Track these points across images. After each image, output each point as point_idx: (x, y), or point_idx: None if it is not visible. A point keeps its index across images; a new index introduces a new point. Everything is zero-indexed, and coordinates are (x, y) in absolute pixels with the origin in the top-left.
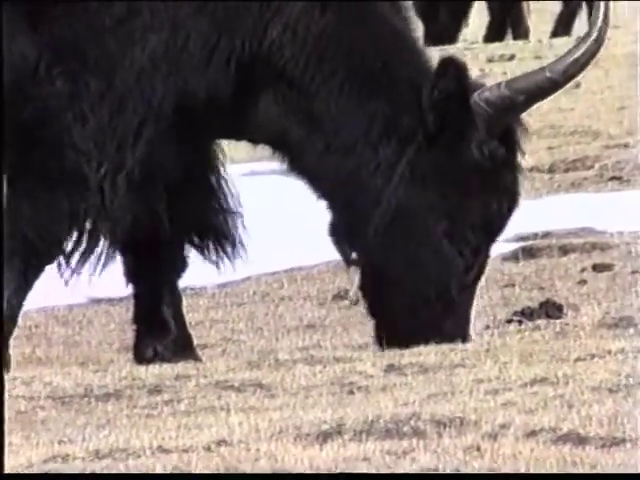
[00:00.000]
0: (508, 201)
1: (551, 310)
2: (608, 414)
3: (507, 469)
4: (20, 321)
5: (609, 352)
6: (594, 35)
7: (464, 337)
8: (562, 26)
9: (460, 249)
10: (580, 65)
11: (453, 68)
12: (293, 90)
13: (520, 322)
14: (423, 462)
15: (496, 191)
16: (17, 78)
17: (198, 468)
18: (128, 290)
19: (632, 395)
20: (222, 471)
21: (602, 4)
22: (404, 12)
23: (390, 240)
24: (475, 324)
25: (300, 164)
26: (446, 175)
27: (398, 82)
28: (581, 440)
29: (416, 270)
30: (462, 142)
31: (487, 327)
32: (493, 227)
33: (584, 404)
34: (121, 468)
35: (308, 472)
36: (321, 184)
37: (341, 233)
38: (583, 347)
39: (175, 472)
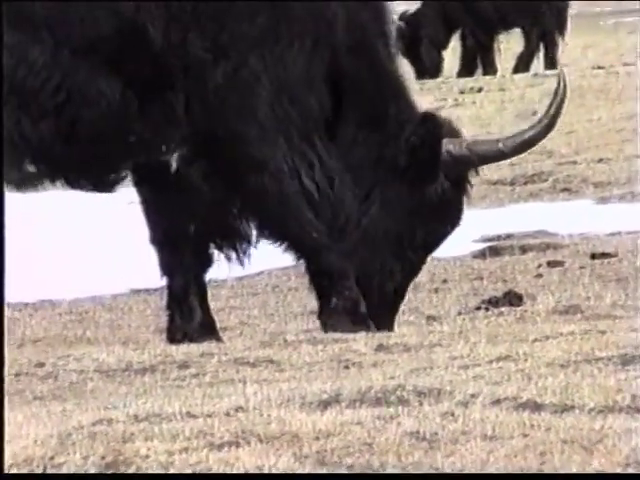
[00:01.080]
0: (450, 228)
1: (513, 299)
2: (560, 385)
3: (476, 432)
4: (73, 308)
5: (561, 334)
6: (545, 122)
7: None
8: (522, 64)
9: (402, 264)
10: (528, 145)
11: (431, 122)
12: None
13: (487, 309)
14: (407, 426)
15: (442, 222)
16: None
17: (220, 431)
18: (162, 282)
19: (580, 369)
20: (239, 433)
21: (557, 99)
22: (395, 57)
23: (359, 250)
24: (450, 310)
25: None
26: (404, 205)
27: (389, 122)
28: (537, 407)
29: (374, 273)
30: (424, 181)
31: (459, 313)
32: (432, 247)
33: (540, 377)
34: (156, 431)
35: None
36: None
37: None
38: (539, 330)
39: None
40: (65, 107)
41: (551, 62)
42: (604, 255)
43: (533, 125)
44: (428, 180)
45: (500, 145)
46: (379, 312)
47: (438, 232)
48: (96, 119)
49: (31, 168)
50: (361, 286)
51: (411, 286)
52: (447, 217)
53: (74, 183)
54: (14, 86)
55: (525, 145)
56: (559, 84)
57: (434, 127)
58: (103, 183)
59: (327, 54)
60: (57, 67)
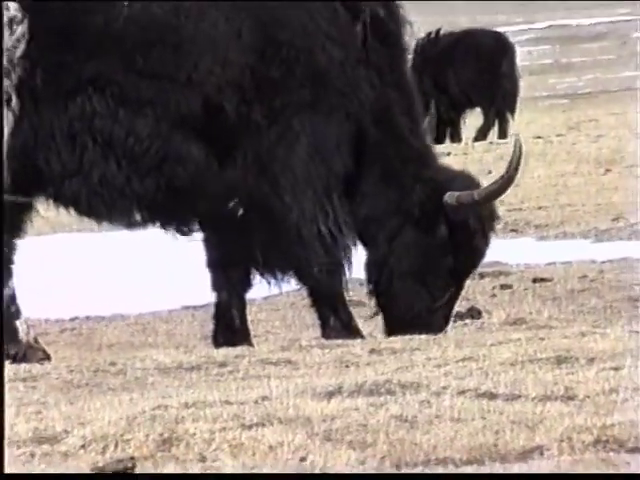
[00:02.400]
0: (470, 258)
1: (474, 313)
2: (510, 379)
3: (446, 416)
4: (138, 320)
5: (510, 340)
6: (507, 176)
7: (441, 331)
8: (481, 135)
9: (429, 290)
10: (496, 194)
11: (436, 182)
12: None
13: (454, 321)
14: (393, 411)
15: (457, 254)
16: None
17: (250, 415)
18: (206, 300)
19: (525, 367)
20: (265, 416)
21: (515, 160)
22: (419, 128)
23: (391, 282)
24: None
25: (355, 226)
26: (422, 244)
27: (405, 180)
28: (493, 396)
29: (409, 300)
30: (434, 226)
31: None
32: (459, 274)
33: (495, 373)
34: (201, 414)
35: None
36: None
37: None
38: (494, 337)
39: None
40: (164, 167)
41: (503, 133)
42: (543, 280)
43: (498, 180)
44: (436, 226)
45: (475, 196)
46: (419, 323)
47: (458, 262)
48: (187, 176)
49: (137, 215)
50: (399, 308)
51: None
52: (461, 250)
53: (166, 226)
54: (125, 151)
55: (494, 194)
56: (515, 148)
57: (437, 186)
58: (187, 226)
59: (355, 125)
60: (157, 136)
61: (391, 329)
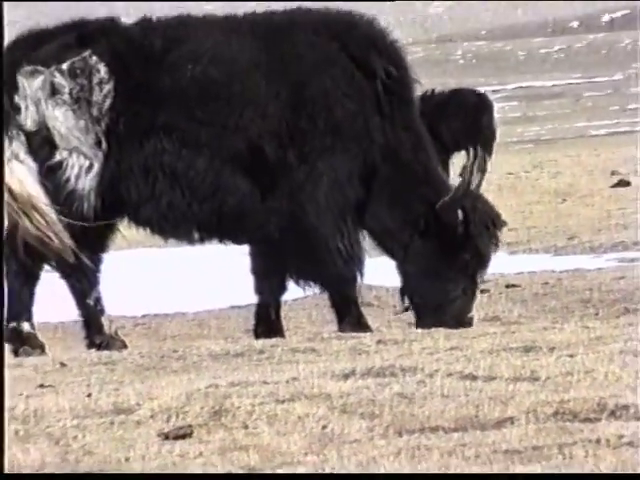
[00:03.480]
0: (476, 255)
1: None
2: (488, 364)
3: (438, 393)
4: (195, 317)
5: (487, 333)
6: (465, 179)
7: (469, 324)
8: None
9: (443, 283)
10: (460, 193)
11: (440, 205)
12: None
13: None
14: (395, 389)
15: (461, 253)
16: None
17: (282, 392)
18: (249, 301)
19: (499, 355)
20: (295, 393)
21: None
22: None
23: (412, 281)
24: None
25: (381, 242)
26: (432, 249)
27: (413, 203)
28: (474, 377)
29: (427, 297)
30: (439, 234)
31: None
32: (471, 275)
33: (476, 359)
34: (244, 392)
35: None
36: (388, 252)
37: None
38: (475, 331)
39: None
40: (217, 196)
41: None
42: (513, 286)
43: (460, 183)
44: (440, 234)
45: (447, 197)
46: (451, 318)
47: (468, 261)
48: (236, 204)
49: (196, 234)
50: (423, 301)
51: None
52: (466, 249)
53: (221, 242)
54: (187, 182)
55: (457, 194)
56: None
57: (439, 208)
58: (236, 243)
59: (367, 163)
60: (212, 170)
61: (422, 323)
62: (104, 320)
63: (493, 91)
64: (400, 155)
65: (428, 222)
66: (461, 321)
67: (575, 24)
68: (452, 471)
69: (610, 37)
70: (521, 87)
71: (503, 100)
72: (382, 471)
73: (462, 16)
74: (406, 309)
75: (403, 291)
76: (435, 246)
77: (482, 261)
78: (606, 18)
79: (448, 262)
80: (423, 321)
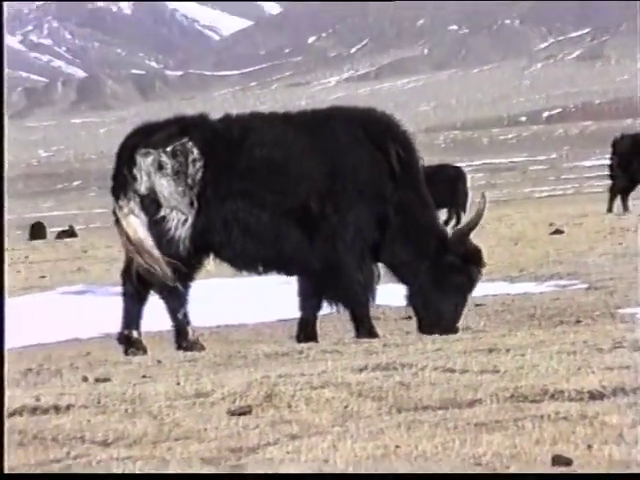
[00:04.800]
0: (471, 279)
1: None
2: (463, 361)
3: (427, 382)
4: (253, 328)
5: (462, 339)
6: (474, 218)
7: (456, 332)
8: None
9: (448, 302)
10: (467, 229)
11: (443, 243)
12: (398, 244)
13: None
14: (397, 379)
15: (462, 277)
16: None
17: (315, 381)
18: (294, 315)
19: (471, 355)
20: (324, 382)
21: (480, 209)
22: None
23: (424, 302)
24: (414, 329)
25: (395, 271)
26: (437, 274)
27: (420, 243)
28: (453, 371)
29: (432, 310)
30: (444, 263)
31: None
32: (464, 292)
33: (455, 358)
34: (288, 381)
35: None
36: (400, 278)
37: (408, 297)
38: (453, 337)
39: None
40: (277, 241)
41: (458, 222)
42: (480, 305)
43: (467, 222)
44: (442, 264)
45: (452, 237)
46: (442, 326)
47: (463, 286)
48: (290, 247)
49: (260, 268)
50: (432, 317)
51: (397, 318)
52: (462, 277)
53: (278, 274)
54: (255, 232)
55: (466, 229)
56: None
57: (441, 237)
58: (289, 274)
59: (382, 214)
60: (273, 223)
61: (426, 330)
62: (189, 329)
63: (466, 166)
64: (409, 209)
65: (434, 256)
66: (452, 329)
67: (523, 119)
68: (437, 439)
69: (548, 128)
70: (485, 163)
71: (473, 172)
72: (387, 439)
73: (443, 113)
74: (409, 317)
75: (412, 305)
76: (438, 273)
77: (472, 285)
78: (545, 114)
79: (447, 285)
80: (425, 328)
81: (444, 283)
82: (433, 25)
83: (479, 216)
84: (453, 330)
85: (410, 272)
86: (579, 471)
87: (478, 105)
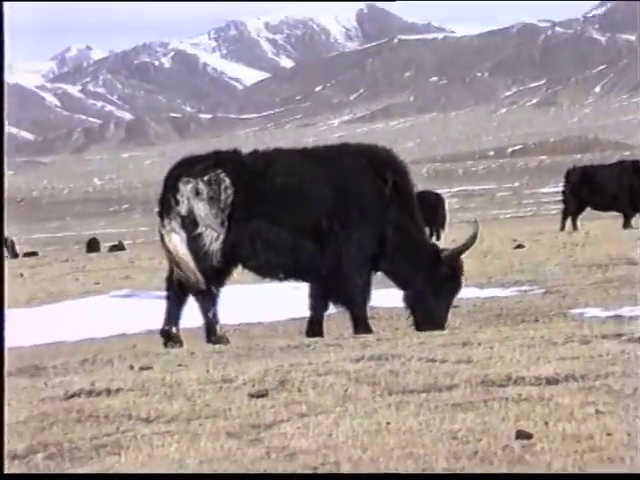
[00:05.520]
0: (457, 288)
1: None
2: (442, 353)
3: (413, 370)
4: (269, 325)
5: (442, 334)
6: (469, 239)
7: (443, 328)
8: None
9: (440, 304)
10: (462, 250)
11: (438, 255)
12: (397, 256)
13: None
14: (388, 367)
15: (452, 285)
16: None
17: (320, 369)
18: (304, 314)
19: (450, 348)
20: (327, 370)
21: (474, 232)
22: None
23: (419, 302)
24: (403, 326)
25: (394, 279)
26: (433, 285)
27: (416, 256)
28: (434, 361)
29: (428, 311)
30: (438, 273)
31: (407, 328)
32: (452, 298)
33: (436, 350)
34: (298, 369)
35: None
36: (399, 285)
37: (405, 300)
38: (434, 333)
39: (178, 472)
40: (294, 253)
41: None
42: (456, 307)
43: (464, 243)
44: (439, 273)
45: (443, 255)
46: (436, 324)
47: (453, 291)
48: (305, 257)
49: (281, 275)
50: (427, 315)
51: (391, 318)
52: (451, 281)
53: (295, 280)
54: (275, 245)
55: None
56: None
57: (433, 250)
58: (303, 280)
59: (381, 233)
60: (291, 238)
61: (422, 328)
62: (217, 326)
63: (444, 192)
64: (405, 228)
65: (430, 267)
66: (441, 326)
67: (491, 153)
68: (421, 417)
69: (512, 161)
70: (460, 190)
71: (450, 197)
72: (380, 417)
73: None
74: (399, 317)
75: (409, 306)
76: (434, 282)
77: (458, 290)
78: (509, 150)
79: (441, 291)
80: (420, 326)
81: (439, 290)
82: (417, 77)
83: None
84: (441, 327)
85: (406, 279)
86: (539, 445)
87: (454, 142)
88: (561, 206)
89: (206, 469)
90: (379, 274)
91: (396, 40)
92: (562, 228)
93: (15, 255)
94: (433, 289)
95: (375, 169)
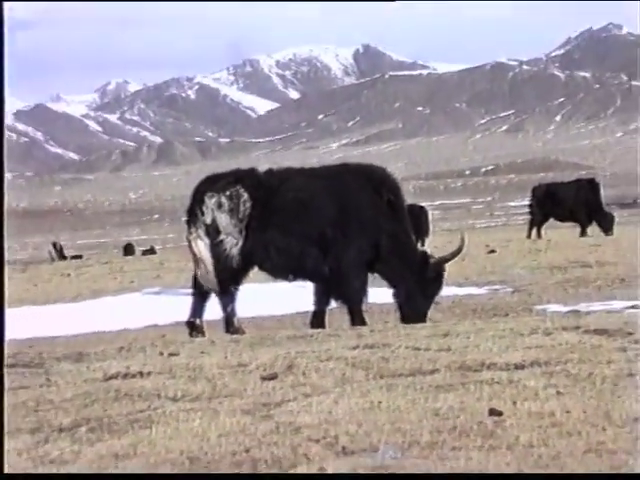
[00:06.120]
0: (439, 289)
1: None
2: (426, 342)
3: (401, 357)
4: (280, 318)
5: (425, 326)
6: (456, 249)
7: (425, 321)
8: None
9: (426, 301)
10: (450, 258)
11: (426, 260)
12: (390, 260)
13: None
14: (379, 355)
15: (435, 286)
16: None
17: (322, 356)
18: (308, 309)
19: (431, 338)
20: (328, 357)
21: (461, 243)
22: (410, 236)
23: (408, 300)
24: (393, 320)
25: (387, 279)
26: (420, 285)
27: (406, 261)
28: (419, 349)
29: (415, 307)
30: (425, 276)
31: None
32: (434, 296)
33: (420, 340)
34: (303, 355)
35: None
36: (392, 284)
37: (396, 297)
38: (418, 326)
39: (178, 472)
40: (302, 257)
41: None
42: (437, 303)
43: (452, 252)
44: (425, 275)
45: (431, 260)
46: (420, 318)
47: (436, 291)
48: (311, 262)
49: (291, 276)
50: (414, 311)
51: (383, 313)
52: (437, 284)
53: (302, 280)
54: (286, 251)
55: (448, 258)
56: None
57: (422, 256)
58: (308, 280)
59: (377, 240)
60: (299, 245)
61: (407, 321)
62: (235, 319)
63: (428, 205)
64: (397, 237)
65: (419, 270)
66: (423, 320)
67: (468, 172)
68: (408, 397)
69: (485, 179)
70: (441, 204)
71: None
72: (372, 397)
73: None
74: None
75: (398, 302)
76: (422, 283)
77: (440, 289)
78: (483, 170)
79: (427, 291)
80: (406, 319)
81: (426, 290)
82: (405, 107)
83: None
84: (424, 320)
85: (397, 280)
86: (508, 421)
87: (436, 163)
88: (528, 217)
89: (224, 442)
90: (373, 275)
91: (387, 76)
92: (529, 236)
93: (63, 258)
94: (420, 289)
95: (372, 186)
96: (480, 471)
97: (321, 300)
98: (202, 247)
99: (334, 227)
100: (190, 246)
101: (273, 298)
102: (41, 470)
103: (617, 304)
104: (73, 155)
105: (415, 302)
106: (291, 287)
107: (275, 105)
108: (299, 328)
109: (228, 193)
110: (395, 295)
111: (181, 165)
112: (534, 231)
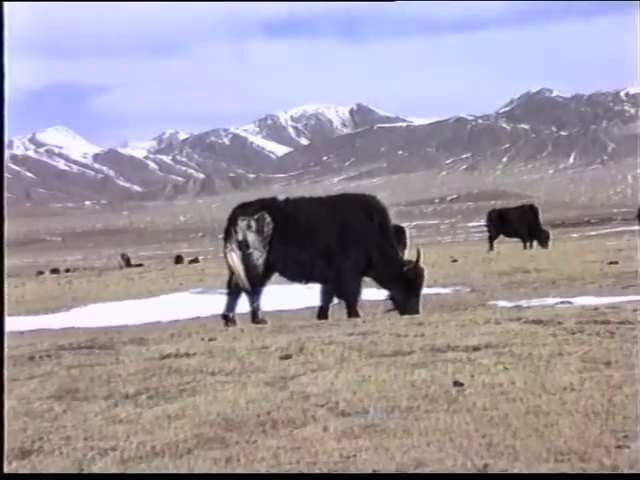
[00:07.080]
0: (420, 287)
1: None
2: (405, 329)
3: (390, 344)
4: (294, 312)
5: (429, 324)
6: (416, 259)
7: (417, 313)
8: None
9: (415, 297)
10: (415, 266)
11: (408, 267)
12: (379, 268)
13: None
14: (370, 339)
15: (416, 285)
16: None
17: (325, 340)
18: (315, 304)
19: (410, 327)
20: (329, 342)
21: (418, 254)
22: (397, 248)
23: (398, 298)
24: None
25: (378, 282)
26: (404, 284)
27: (392, 267)
28: (405, 336)
29: (404, 303)
30: (408, 278)
31: (392, 324)
32: (419, 294)
33: (402, 328)
34: (310, 340)
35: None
36: (382, 286)
37: (390, 296)
38: (402, 318)
39: (178, 472)
40: (312, 266)
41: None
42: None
43: (414, 261)
44: (408, 278)
45: (405, 268)
46: (412, 310)
47: (417, 289)
48: (319, 269)
49: (303, 281)
50: (405, 304)
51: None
52: (417, 283)
53: (314, 283)
54: (299, 262)
55: (414, 266)
56: (418, 252)
57: (405, 264)
58: (317, 282)
59: (369, 253)
60: (310, 257)
61: (404, 313)
62: (259, 312)
63: (406, 225)
64: (384, 251)
65: (403, 274)
66: (416, 311)
67: (437, 200)
68: (391, 372)
69: (450, 206)
70: (416, 224)
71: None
72: (364, 372)
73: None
74: (390, 310)
75: (392, 300)
76: (405, 282)
77: (421, 286)
78: (448, 198)
79: (410, 288)
80: (402, 312)
81: (407, 289)
82: (389, 151)
83: (419, 258)
84: (418, 312)
85: (386, 283)
86: (468, 390)
87: (412, 193)
88: (483, 235)
89: (251, 407)
90: (365, 279)
91: (375, 127)
92: (490, 249)
93: (129, 266)
94: (404, 289)
95: (365, 210)
96: (445, 428)
97: (325, 298)
98: (235, 258)
99: (336, 243)
100: (226, 257)
101: (289, 296)
102: (111, 429)
103: (550, 301)
104: (137, 187)
105: (404, 299)
106: (303, 288)
107: (290, 149)
108: (308, 319)
109: (256, 217)
110: (390, 296)
111: (219, 195)
112: (487, 244)
